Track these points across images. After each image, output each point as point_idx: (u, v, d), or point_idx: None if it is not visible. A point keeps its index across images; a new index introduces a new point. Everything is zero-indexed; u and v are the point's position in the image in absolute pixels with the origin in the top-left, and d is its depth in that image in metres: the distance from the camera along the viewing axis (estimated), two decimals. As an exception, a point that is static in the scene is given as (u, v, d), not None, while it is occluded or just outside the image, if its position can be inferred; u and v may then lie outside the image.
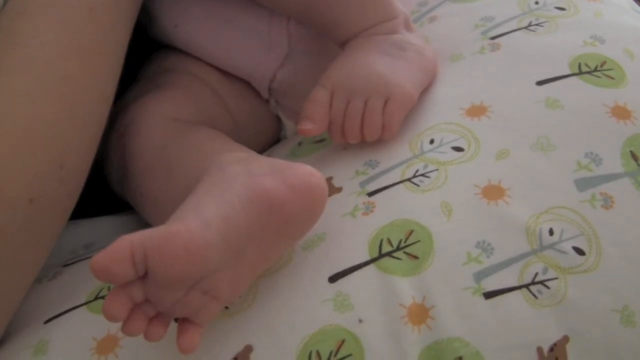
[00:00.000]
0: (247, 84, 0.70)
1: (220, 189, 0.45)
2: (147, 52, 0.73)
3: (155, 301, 0.42)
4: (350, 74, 0.57)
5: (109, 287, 0.52)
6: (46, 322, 0.51)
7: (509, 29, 0.64)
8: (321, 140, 0.63)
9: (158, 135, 0.58)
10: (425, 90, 0.61)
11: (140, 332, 0.42)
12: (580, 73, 0.58)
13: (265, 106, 0.72)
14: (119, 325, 0.48)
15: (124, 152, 0.60)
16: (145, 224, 0.65)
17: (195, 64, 0.69)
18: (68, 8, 0.53)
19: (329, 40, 0.66)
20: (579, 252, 0.48)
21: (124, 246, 0.39)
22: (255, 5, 0.65)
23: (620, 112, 0.55)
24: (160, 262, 0.39)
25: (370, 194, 0.53)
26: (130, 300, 0.41)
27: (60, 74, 0.51)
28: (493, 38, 0.64)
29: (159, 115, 0.60)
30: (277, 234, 0.45)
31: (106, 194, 0.67)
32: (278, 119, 0.73)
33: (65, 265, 0.59)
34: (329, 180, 0.56)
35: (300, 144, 0.67)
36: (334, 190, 0.55)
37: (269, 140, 0.74)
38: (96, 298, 0.52)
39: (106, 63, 0.55)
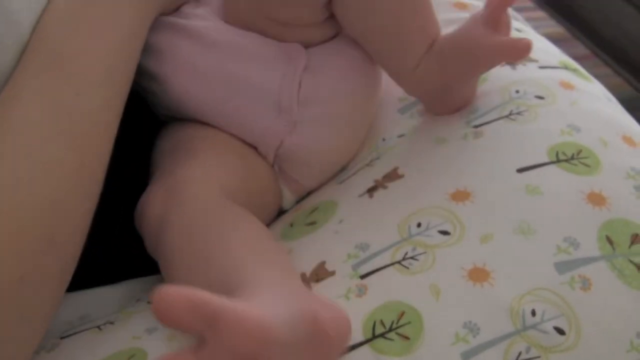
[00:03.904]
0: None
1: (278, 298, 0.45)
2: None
3: None
4: None
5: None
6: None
7: (491, 118, 0.67)
8: (312, 223, 0.65)
9: (204, 210, 0.58)
10: (410, 173, 0.65)
11: None
12: (558, 161, 0.61)
13: (269, 173, 0.70)
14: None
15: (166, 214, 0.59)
16: (140, 294, 0.66)
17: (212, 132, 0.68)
18: (58, 93, 0.54)
19: (341, 107, 0.68)
20: (560, 331, 0.50)
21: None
22: (266, 68, 0.66)
23: (596, 199, 0.58)
24: (233, 334, 0.39)
25: (363, 277, 0.55)
26: None
27: (52, 158, 0.52)
28: (476, 127, 0.67)
29: (208, 186, 0.60)
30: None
31: (101, 265, 0.66)
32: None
33: (62, 337, 0.60)
34: (322, 264, 0.58)
35: (292, 225, 0.67)
36: (327, 273, 0.57)
37: (271, 212, 0.72)
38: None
39: (97, 143, 0.57)
